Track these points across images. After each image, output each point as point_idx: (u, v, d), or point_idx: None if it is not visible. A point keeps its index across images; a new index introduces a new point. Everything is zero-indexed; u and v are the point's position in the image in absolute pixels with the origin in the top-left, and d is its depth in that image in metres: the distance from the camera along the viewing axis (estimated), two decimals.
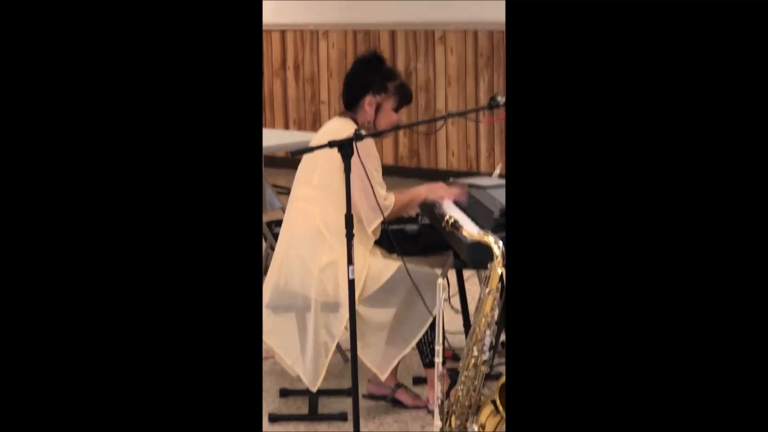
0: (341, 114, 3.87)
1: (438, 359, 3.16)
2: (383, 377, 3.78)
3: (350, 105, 3.84)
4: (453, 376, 3.36)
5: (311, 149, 3.42)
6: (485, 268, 3.08)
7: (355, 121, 3.78)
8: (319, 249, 3.67)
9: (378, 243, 3.87)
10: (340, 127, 3.71)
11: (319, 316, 3.67)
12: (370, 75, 3.82)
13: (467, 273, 4.44)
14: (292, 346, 3.76)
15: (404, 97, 3.86)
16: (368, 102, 3.78)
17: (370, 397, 3.94)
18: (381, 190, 3.71)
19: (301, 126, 8.79)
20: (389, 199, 3.74)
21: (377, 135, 3.76)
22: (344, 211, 3.22)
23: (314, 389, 3.74)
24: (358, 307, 3.47)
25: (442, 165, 8.05)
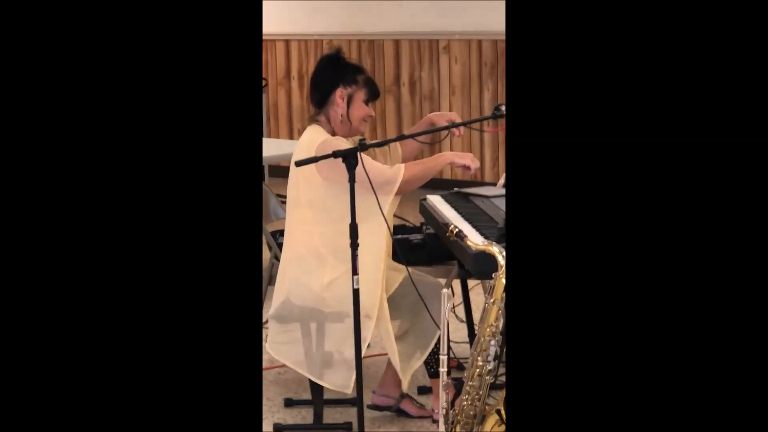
0: (310, 120, 3.82)
1: (443, 369, 3.16)
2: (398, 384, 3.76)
3: (320, 102, 3.75)
4: (458, 385, 3.35)
5: (315, 159, 3.40)
6: (490, 277, 3.08)
7: (328, 121, 3.74)
8: (320, 270, 3.65)
9: None
10: (309, 140, 3.67)
11: (325, 326, 3.67)
12: (339, 69, 3.75)
13: (472, 282, 4.44)
14: (307, 359, 3.75)
15: (374, 91, 3.79)
16: (339, 94, 3.70)
17: (375, 408, 3.94)
18: (380, 164, 3.60)
19: None
20: (399, 170, 3.57)
21: (382, 144, 3.74)
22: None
23: (349, 390, 3.65)
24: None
25: (447, 174, 8.04)
